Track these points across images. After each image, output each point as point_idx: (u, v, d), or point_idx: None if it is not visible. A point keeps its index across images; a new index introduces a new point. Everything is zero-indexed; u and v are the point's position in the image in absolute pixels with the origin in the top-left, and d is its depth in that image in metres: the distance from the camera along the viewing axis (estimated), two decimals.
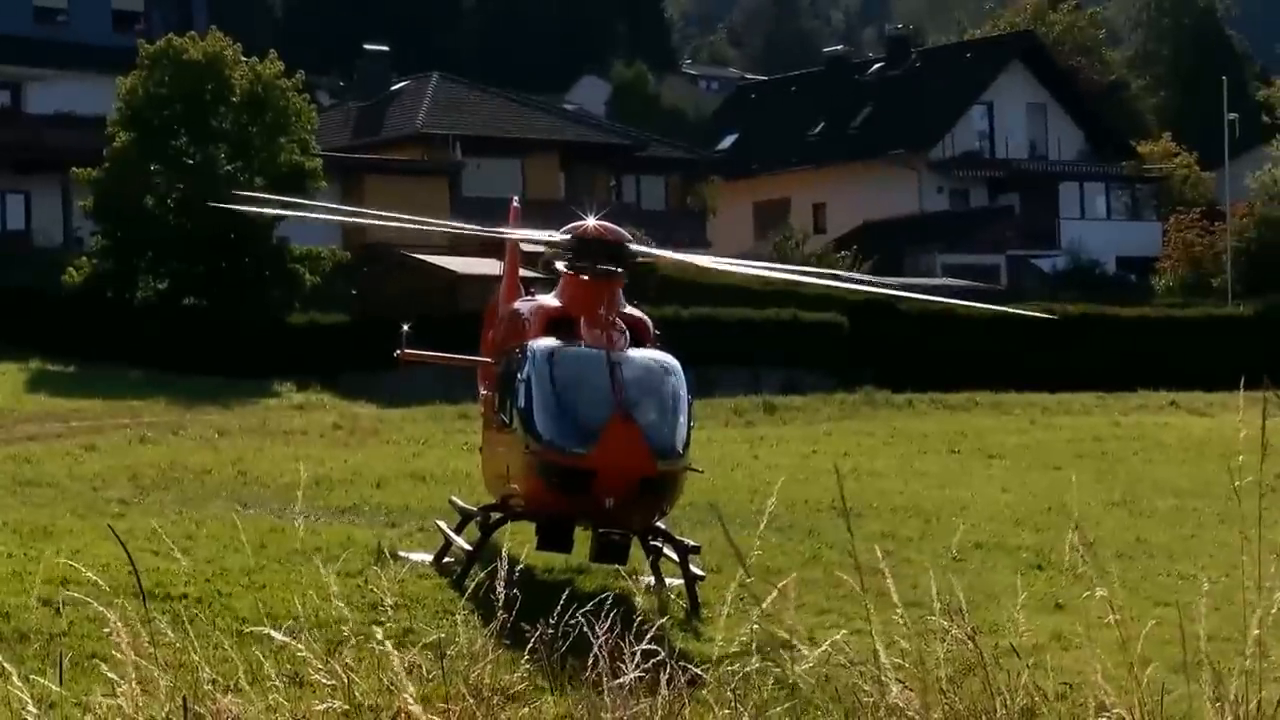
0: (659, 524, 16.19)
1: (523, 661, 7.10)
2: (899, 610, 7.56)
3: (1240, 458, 7.30)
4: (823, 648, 7.15)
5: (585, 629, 7.47)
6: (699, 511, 19.86)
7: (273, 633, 6.71)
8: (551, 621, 7.53)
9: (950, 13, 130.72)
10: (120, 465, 25.73)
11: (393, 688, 6.13)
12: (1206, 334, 52.32)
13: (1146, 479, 28.60)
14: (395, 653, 6.27)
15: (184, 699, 6.31)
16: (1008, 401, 40.99)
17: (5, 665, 6.66)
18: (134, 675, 6.23)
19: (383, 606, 7.63)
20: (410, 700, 6.01)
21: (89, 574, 7.67)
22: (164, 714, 6.30)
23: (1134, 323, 53.00)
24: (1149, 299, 62.46)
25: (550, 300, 17.01)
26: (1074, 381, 44.88)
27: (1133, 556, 20.49)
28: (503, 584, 7.51)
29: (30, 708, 6.26)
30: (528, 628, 7.35)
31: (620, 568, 15.79)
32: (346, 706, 6.33)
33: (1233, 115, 67.99)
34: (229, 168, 46.27)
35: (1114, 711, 7.17)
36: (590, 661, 7.14)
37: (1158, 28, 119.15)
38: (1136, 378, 45.79)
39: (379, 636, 6.39)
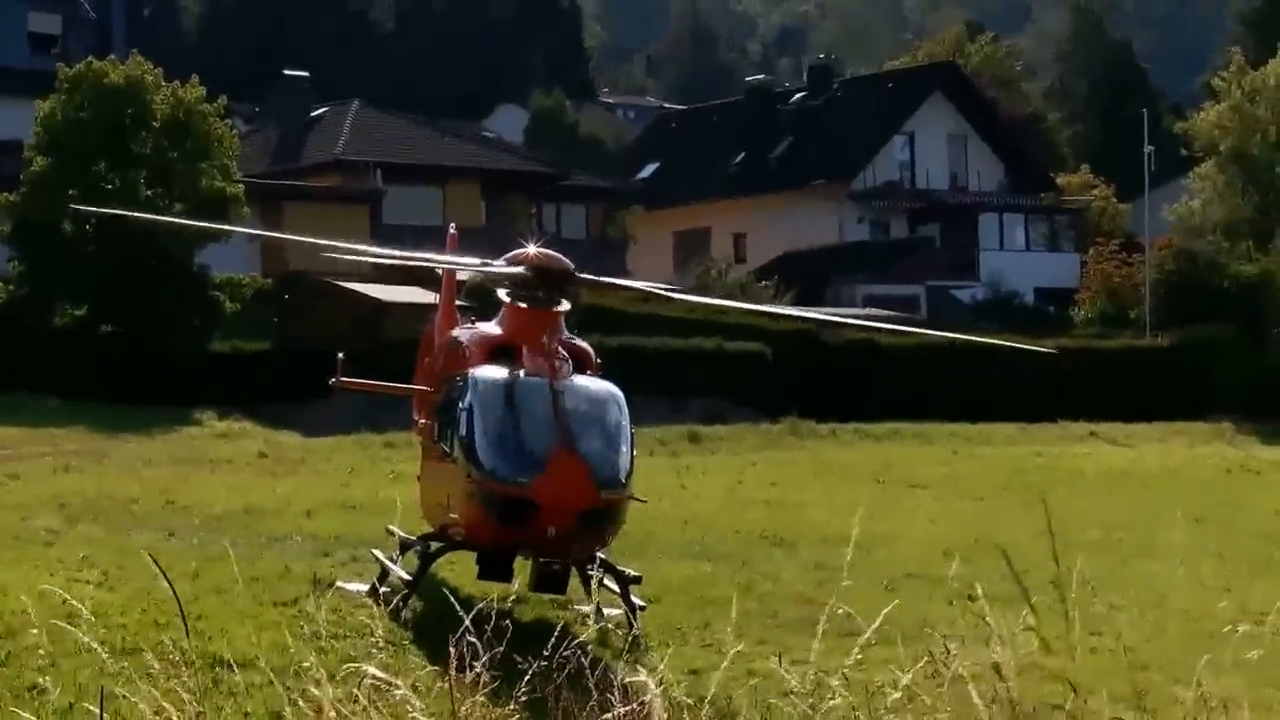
0: (600, 554, 16.14)
1: (518, 692, 7.03)
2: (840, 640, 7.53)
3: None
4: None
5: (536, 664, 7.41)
6: (634, 543, 19.82)
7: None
8: (543, 654, 7.48)
9: (868, 44, 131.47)
10: (46, 494, 25.45)
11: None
12: (1125, 365, 52.78)
13: (1071, 509, 28.78)
14: (400, 686, 6.20)
15: None
16: (930, 432, 41.31)
17: None
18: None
19: (374, 637, 7.53)
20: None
21: (82, 598, 7.54)
22: None
23: (1053, 354, 53.32)
24: (1068, 330, 62.88)
25: (492, 328, 16.89)
26: (994, 412, 45.21)
27: (1063, 587, 20.64)
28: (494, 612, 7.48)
29: None
30: (520, 660, 7.32)
31: (559, 598, 15.74)
32: None
33: (1150, 148, 68.61)
34: (149, 193, 45.83)
35: None
36: (555, 691, 7.09)
37: (1074, 61, 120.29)
38: (1056, 409, 46.20)
39: (372, 670, 6.32)
